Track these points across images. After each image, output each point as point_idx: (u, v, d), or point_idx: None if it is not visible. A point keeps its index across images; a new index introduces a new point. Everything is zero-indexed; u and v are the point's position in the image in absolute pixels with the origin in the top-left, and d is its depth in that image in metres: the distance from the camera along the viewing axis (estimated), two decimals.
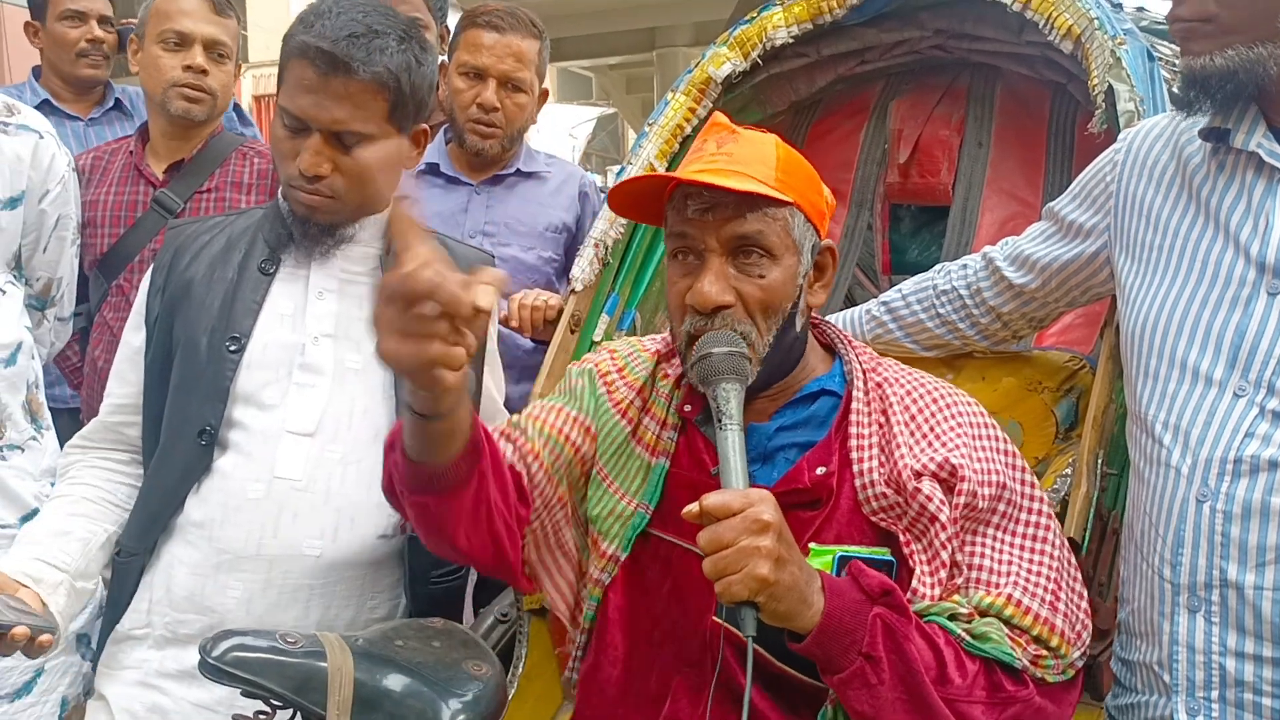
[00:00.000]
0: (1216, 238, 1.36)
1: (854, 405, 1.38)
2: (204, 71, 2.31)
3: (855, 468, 1.35)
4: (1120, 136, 1.57)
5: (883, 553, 1.30)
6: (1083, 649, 1.33)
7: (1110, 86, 1.74)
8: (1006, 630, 1.27)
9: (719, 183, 1.30)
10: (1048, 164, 2.21)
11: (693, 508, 1.16)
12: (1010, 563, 1.31)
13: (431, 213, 2.30)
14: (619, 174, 2.30)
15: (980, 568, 1.31)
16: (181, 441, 1.62)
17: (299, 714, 1.28)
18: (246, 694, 1.25)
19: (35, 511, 1.87)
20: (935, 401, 1.39)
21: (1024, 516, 1.35)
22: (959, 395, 1.42)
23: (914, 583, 1.28)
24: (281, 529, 1.58)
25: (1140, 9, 2.29)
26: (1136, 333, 1.42)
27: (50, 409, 2.16)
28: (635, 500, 1.44)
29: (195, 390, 1.62)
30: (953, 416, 1.37)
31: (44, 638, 1.41)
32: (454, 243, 1.83)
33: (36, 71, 3.11)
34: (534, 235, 2.47)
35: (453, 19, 2.68)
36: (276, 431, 1.60)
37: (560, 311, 2.17)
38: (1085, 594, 1.37)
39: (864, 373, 1.41)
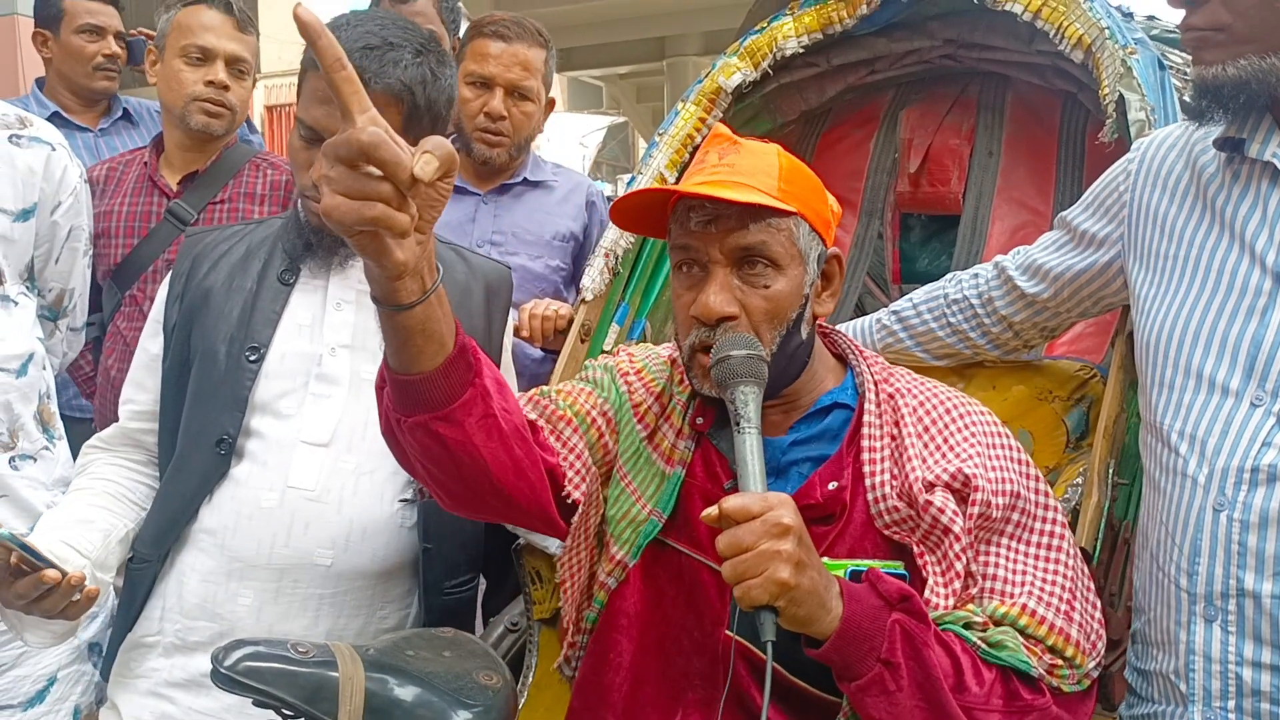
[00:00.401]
0: (1231, 247, 1.36)
1: (866, 419, 1.38)
2: (225, 87, 2.33)
3: (867, 481, 1.34)
4: (1134, 146, 1.56)
5: (896, 566, 1.30)
6: (1098, 659, 1.32)
7: (1121, 96, 1.73)
8: (1021, 640, 1.26)
9: (721, 194, 1.29)
10: (1058, 173, 2.21)
11: (711, 511, 1.15)
12: (1025, 572, 1.31)
13: (439, 222, 2.30)
14: (629, 183, 2.31)
15: (995, 577, 1.31)
16: (199, 450, 1.63)
17: None
18: (258, 703, 1.25)
19: None
20: (948, 412, 1.38)
21: (1038, 526, 1.35)
22: (972, 405, 1.41)
23: (927, 593, 1.27)
24: (293, 538, 1.59)
25: (1151, 18, 2.28)
26: (1152, 342, 1.42)
27: (69, 417, 2.17)
28: (650, 506, 1.43)
29: (214, 399, 1.63)
30: (966, 427, 1.37)
31: (91, 588, 1.42)
32: (469, 253, 1.84)
33: (39, 83, 3.11)
34: (541, 244, 2.47)
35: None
36: (291, 441, 1.61)
37: (570, 321, 2.17)
38: (1099, 604, 1.36)
39: (875, 384, 1.40)
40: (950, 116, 2.33)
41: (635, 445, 1.46)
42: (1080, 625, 1.30)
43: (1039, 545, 1.34)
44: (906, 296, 1.88)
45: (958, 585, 1.28)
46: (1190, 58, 1.35)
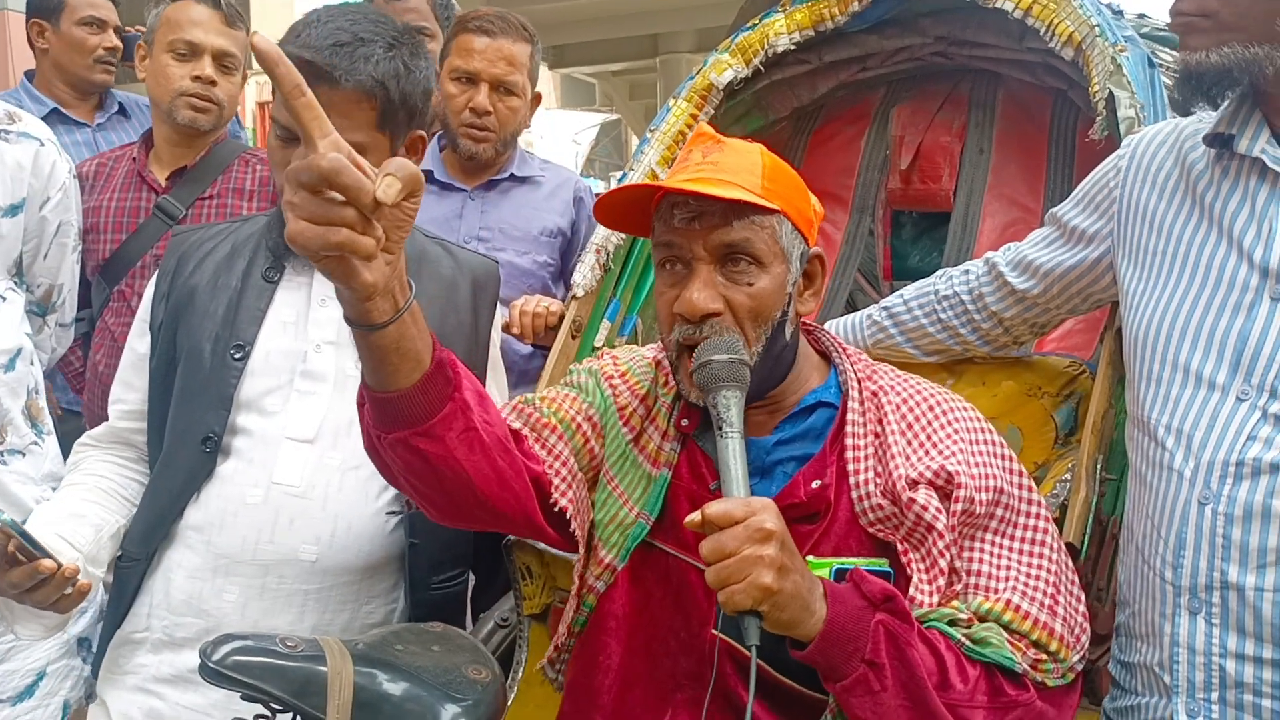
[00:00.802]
0: (1220, 243, 1.37)
1: (849, 416, 1.38)
2: (212, 82, 2.32)
3: (851, 479, 1.34)
4: (1124, 142, 1.57)
5: (880, 564, 1.30)
6: (1082, 652, 1.33)
7: (1111, 93, 1.74)
8: (1006, 635, 1.27)
9: (704, 191, 1.29)
10: (1049, 170, 2.21)
11: (695, 517, 1.15)
12: (1009, 567, 1.31)
13: (426, 219, 2.31)
14: (621, 179, 2.31)
15: (979, 573, 1.31)
16: (185, 448, 1.63)
17: (299, 718, 1.28)
18: (246, 698, 1.25)
19: None
20: (931, 409, 1.38)
21: (1021, 520, 1.35)
22: (954, 401, 1.41)
23: (912, 590, 1.28)
24: (278, 534, 1.59)
25: (1141, 16, 2.29)
26: (1140, 337, 1.43)
27: (69, 411, 2.16)
28: (637, 509, 1.43)
29: (200, 397, 1.63)
30: (949, 424, 1.37)
31: (83, 582, 1.42)
32: (456, 248, 1.84)
33: (29, 75, 3.09)
34: (529, 240, 2.47)
35: None
36: (277, 438, 1.61)
37: (561, 317, 2.17)
38: (1083, 597, 1.37)
39: (859, 382, 1.41)
40: (941, 114, 2.33)
41: (621, 448, 1.46)
42: (1064, 619, 1.30)
43: (1022, 540, 1.34)
44: (897, 293, 1.89)
45: (941, 582, 1.28)
46: (1178, 43, 1.36)
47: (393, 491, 1.66)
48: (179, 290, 1.69)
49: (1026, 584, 1.30)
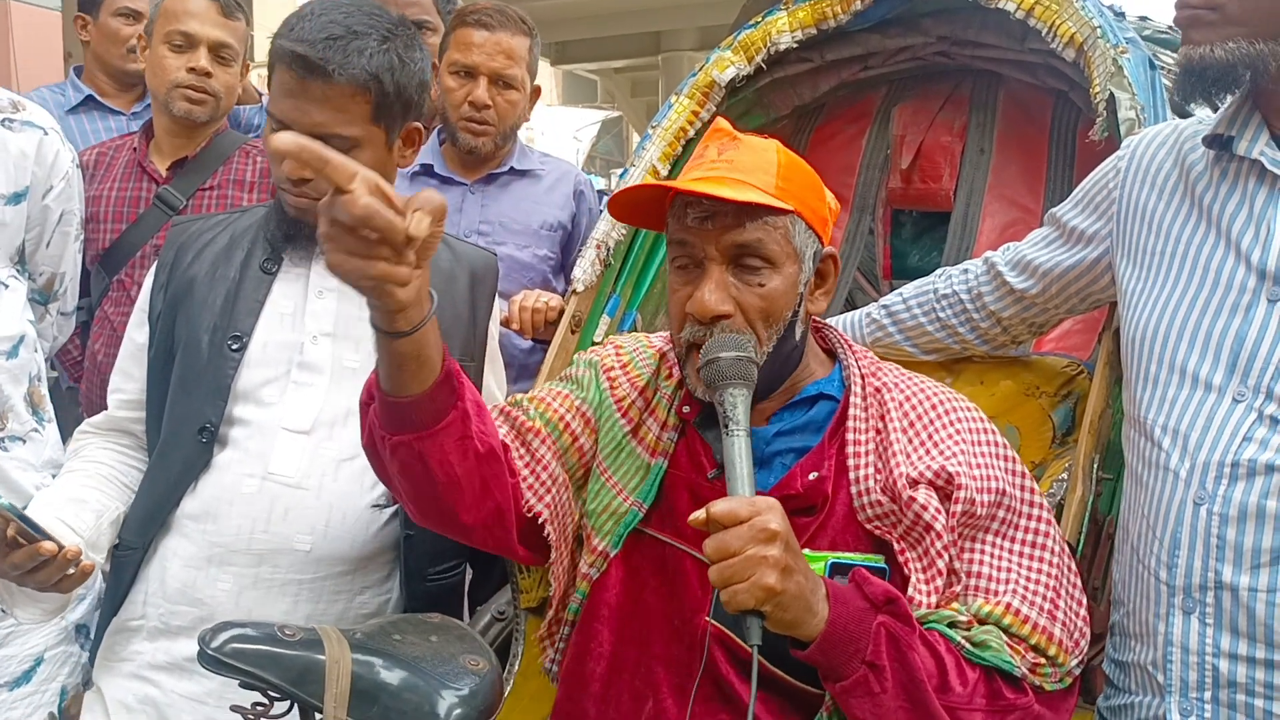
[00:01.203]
0: (1218, 244, 1.37)
1: (851, 411, 1.38)
2: (208, 74, 2.32)
3: (851, 474, 1.35)
4: (1124, 144, 1.57)
5: (876, 560, 1.30)
6: (1080, 657, 1.33)
7: (1112, 94, 1.74)
8: (1005, 639, 1.27)
9: (717, 192, 1.29)
10: (1049, 171, 2.22)
11: (699, 514, 1.15)
12: (1009, 570, 1.32)
13: None
14: (622, 176, 2.31)
15: (979, 575, 1.31)
16: (182, 438, 1.64)
17: (296, 706, 1.28)
18: (244, 685, 1.26)
19: None
20: (934, 408, 1.38)
21: (1023, 523, 1.35)
22: (958, 401, 1.41)
23: (910, 590, 1.28)
24: (273, 524, 1.59)
25: (1143, 18, 2.30)
26: (1137, 338, 1.43)
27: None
28: (631, 498, 1.44)
29: (197, 388, 1.64)
30: (952, 424, 1.37)
31: (86, 563, 1.45)
32: (454, 240, 1.84)
33: (77, 70, 3.11)
34: (529, 233, 2.47)
35: None
36: (273, 428, 1.62)
37: (561, 312, 2.17)
38: (1084, 601, 1.37)
39: (863, 377, 1.41)
40: (943, 113, 2.34)
41: (617, 440, 1.47)
42: (1064, 624, 1.31)
43: (1023, 543, 1.34)
44: (897, 291, 1.89)
45: (940, 583, 1.29)
46: (1181, 37, 1.36)
47: (384, 499, 1.67)
48: (177, 281, 1.69)
49: (1027, 587, 1.30)
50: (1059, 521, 1.55)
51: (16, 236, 1.94)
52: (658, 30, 15.03)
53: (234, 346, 1.63)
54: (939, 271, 1.84)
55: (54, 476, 1.93)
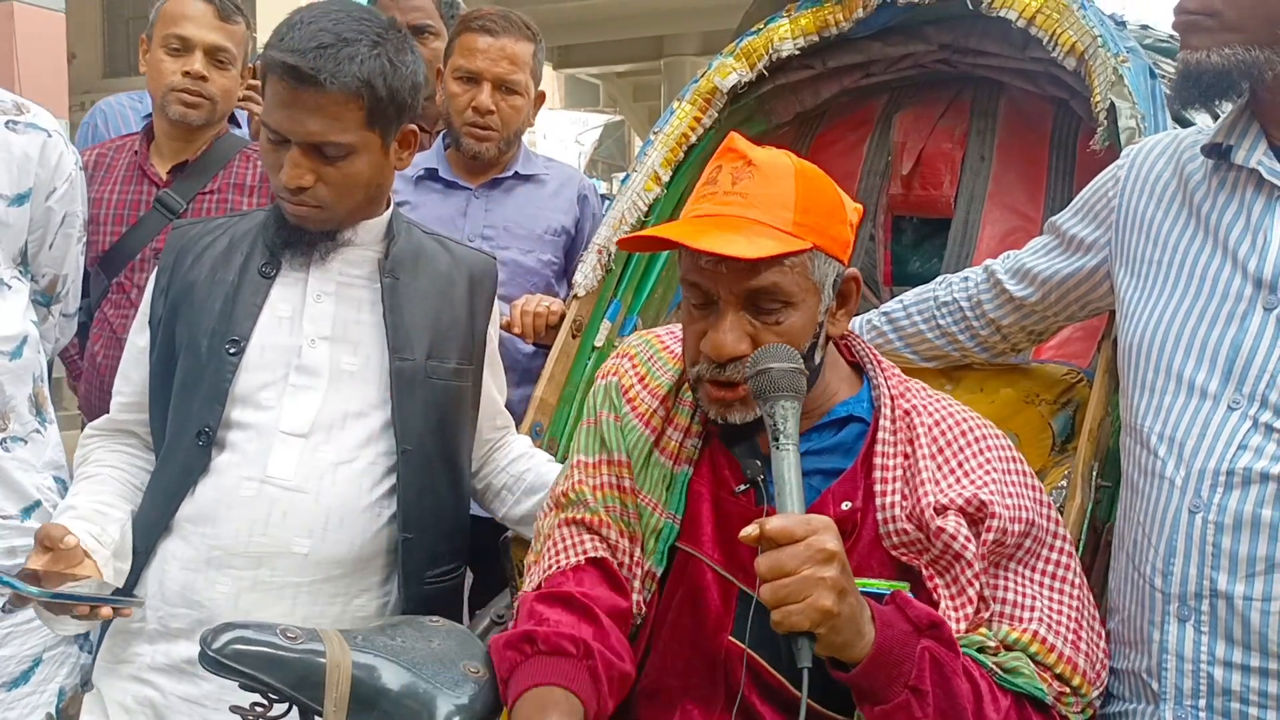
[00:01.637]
0: (1215, 253, 1.38)
1: (880, 435, 1.35)
2: (203, 77, 2.32)
3: (878, 500, 1.32)
4: (1123, 153, 1.58)
5: (901, 587, 1.28)
6: (1101, 688, 1.33)
7: (1112, 103, 1.75)
8: (1033, 666, 1.27)
9: (730, 251, 1.24)
10: (1049, 179, 2.22)
11: (751, 530, 1.12)
12: (1034, 598, 1.31)
13: (430, 217, 2.32)
14: (624, 180, 2.31)
15: (1005, 601, 1.31)
16: (182, 442, 1.65)
17: (296, 708, 1.29)
18: (245, 687, 1.26)
19: (37, 504, 1.88)
20: (964, 434, 1.36)
21: (1046, 553, 1.35)
22: (988, 427, 1.40)
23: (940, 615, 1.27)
24: (271, 527, 1.60)
25: (1144, 27, 2.30)
26: (1134, 346, 1.44)
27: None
28: (663, 510, 1.41)
29: (196, 392, 1.65)
30: (982, 451, 1.35)
31: (125, 611, 1.47)
32: (453, 243, 1.84)
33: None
34: (533, 238, 2.48)
35: None
36: (271, 432, 1.62)
37: (562, 317, 2.18)
38: (1103, 633, 1.37)
39: (892, 399, 1.38)
40: (943, 121, 2.34)
41: (644, 454, 1.43)
42: (1086, 654, 1.31)
43: (1047, 574, 1.34)
44: (897, 298, 1.90)
45: (970, 610, 1.27)
46: (1180, 55, 1.37)
47: (385, 486, 1.67)
48: (177, 285, 1.70)
49: (1052, 616, 1.30)
50: None
51: (20, 238, 1.95)
52: (660, 35, 15.07)
53: (231, 350, 1.63)
54: (939, 279, 1.85)
55: (55, 477, 1.94)
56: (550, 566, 1.42)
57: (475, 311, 1.79)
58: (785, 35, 2.19)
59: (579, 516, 1.44)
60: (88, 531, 1.56)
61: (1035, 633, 1.28)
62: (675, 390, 1.46)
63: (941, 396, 1.44)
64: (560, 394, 2.17)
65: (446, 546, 1.76)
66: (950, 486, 1.31)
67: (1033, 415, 1.82)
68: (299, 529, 1.60)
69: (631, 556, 1.42)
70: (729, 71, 2.22)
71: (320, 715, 1.27)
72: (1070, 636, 1.30)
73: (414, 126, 1.68)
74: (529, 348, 2.32)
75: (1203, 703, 1.31)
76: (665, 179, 2.22)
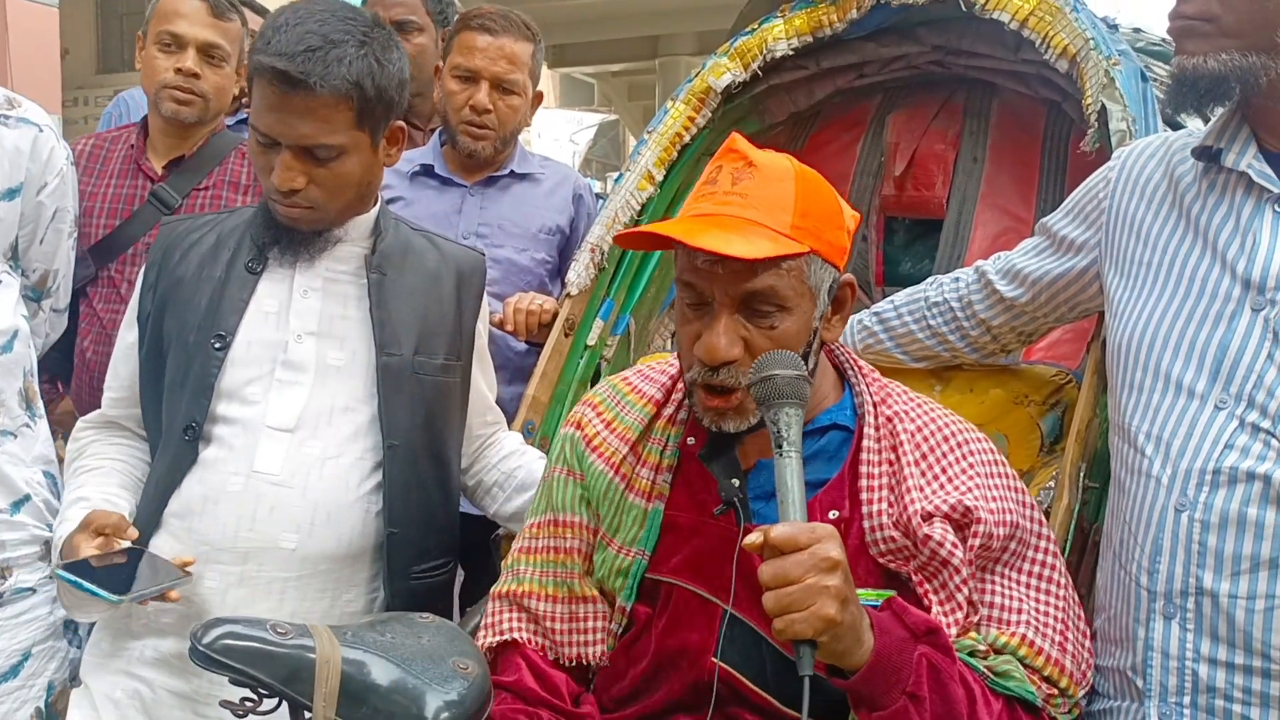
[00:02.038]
0: (1204, 254, 1.38)
1: (865, 444, 1.36)
2: (195, 75, 2.31)
3: (864, 509, 1.33)
4: (1114, 154, 1.59)
5: (888, 595, 1.27)
6: (1087, 689, 1.34)
7: (1104, 106, 1.76)
8: (1022, 669, 1.27)
9: (728, 250, 1.24)
10: (1041, 180, 2.23)
11: (755, 538, 1.12)
12: (1021, 601, 1.32)
13: (424, 213, 2.32)
14: (618, 180, 2.32)
15: (993, 605, 1.32)
16: (171, 437, 1.65)
17: (285, 703, 1.29)
18: (234, 682, 1.26)
19: (27, 498, 1.88)
20: (947, 440, 1.37)
21: (1032, 554, 1.36)
22: (970, 432, 1.40)
23: None
24: (258, 522, 1.60)
25: (1136, 30, 2.31)
26: (1123, 346, 1.44)
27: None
28: (633, 549, 1.42)
29: (183, 387, 1.65)
30: (965, 456, 1.36)
31: (173, 594, 1.50)
32: (441, 240, 1.84)
33: None
34: (527, 237, 2.48)
35: None
36: (257, 427, 1.63)
37: (555, 315, 2.18)
38: (1089, 634, 1.38)
39: (874, 406, 1.38)
40: (936, 122, 2.35)
41: (614, 502, 1.44)
42: (1073, 656, 1.32)
43: (1033, 575, 1.35)
44: (889, 299, 1.90)
45: (960, 615, 1.28)
46: (1175, 60, 1.37)
47: (373, 481, 1.67)
48: (166, 281, 1.70)
49: (1038, 619, 1.31)
50: None
51: (10, 233, 1.95)
52: (655, 35, 15.08)
53: (218, 345, 1.64)
54: (931, 279, 1.85)
55: (44, 472, 1.93)
56: (484, 638, 1.52)
57: (463, 308, 1.79)
58: (779, 35, 2.20)
59: (507, 589, 1.52)
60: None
61: (1023, 636, 1.29)
62: (646, 431, 1.46)
63: (921, 400, 1.44)
64: (552, 392, 2.17)
65: (434, 542, 1.76)
66: (935, 493, 1.32)
67: (1021, 416, 1.83)
68: (286, 524, 1.61)
69: (572, 607, 1.48)
70: (723, 71, 2.22)
71: (310, 711, 1.27)
72: (1057, 639, 1.31)
73: (401, 123, 1.69)
74: (521, 345, 2.33)
75: (1187, 699, 1.32)
76: (659, 178, 2.22)
